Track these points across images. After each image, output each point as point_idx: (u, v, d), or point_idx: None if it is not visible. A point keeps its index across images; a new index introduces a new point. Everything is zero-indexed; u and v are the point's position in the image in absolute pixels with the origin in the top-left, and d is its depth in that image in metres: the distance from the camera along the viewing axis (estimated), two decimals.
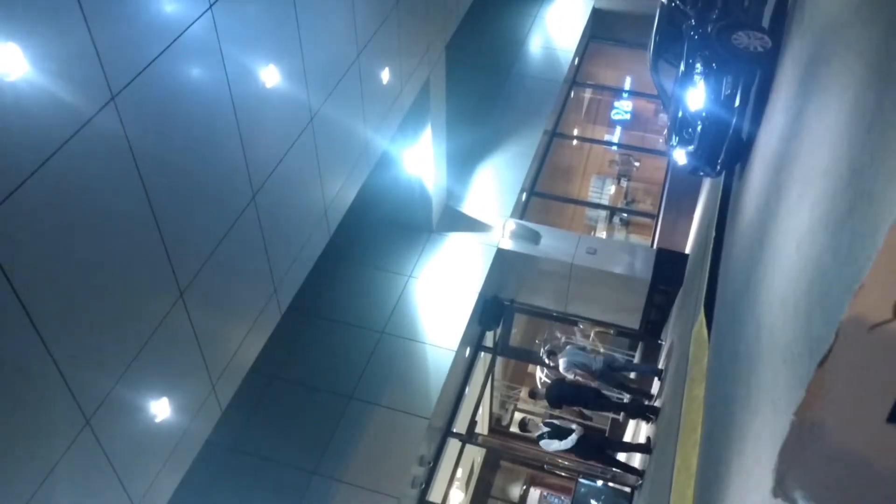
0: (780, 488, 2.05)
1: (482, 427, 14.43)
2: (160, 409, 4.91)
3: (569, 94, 15.66)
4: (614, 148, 19.74)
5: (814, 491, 1.95)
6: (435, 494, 10.32)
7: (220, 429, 5.90)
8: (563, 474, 11.87)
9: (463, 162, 12.07)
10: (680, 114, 8.20)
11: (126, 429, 4.64)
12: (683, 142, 8.27)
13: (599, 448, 9.94)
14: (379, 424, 9.23)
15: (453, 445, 11.03)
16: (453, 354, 9.85)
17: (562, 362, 10.01)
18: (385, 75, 7.33)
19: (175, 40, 4.14)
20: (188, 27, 4.22)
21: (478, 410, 12.27)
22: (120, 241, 4.13)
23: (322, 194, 6.64)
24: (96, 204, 3.87)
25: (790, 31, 6.82)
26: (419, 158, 10.17)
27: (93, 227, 3.88)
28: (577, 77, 15.97)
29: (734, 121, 7.50)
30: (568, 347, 10.22)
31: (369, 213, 10.65)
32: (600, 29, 16.24)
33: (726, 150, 7.83)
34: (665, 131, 8.87)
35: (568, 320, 12.46)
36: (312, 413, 9.26)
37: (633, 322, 11.55)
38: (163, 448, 5.13)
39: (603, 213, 19.50)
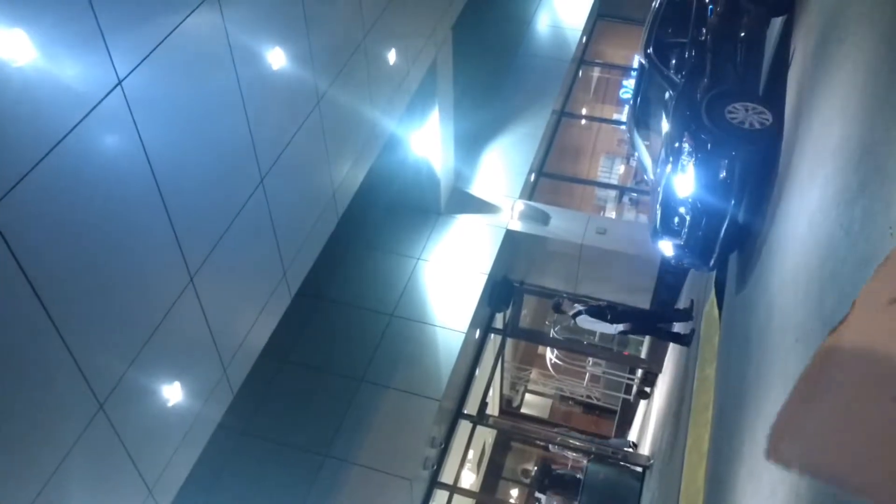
0: (773, 453, 2.02)
1: (493, 408, 14.48)
2: (172, 393, 4.94)
3: (577, 73, 15.55)
4: (623, 127, 19.61)
5: (809, 458, 1.91)
6: (447, 475, 10.39)
7: (232, 413, 5.94)
8: (573, 455, 11.91)
9: (471, 143, 12.02)
10: (663, 187, 6.97)
11: (139, 413, 4.67)
12: (670, 232, 7.12)
13: (647, 323, 9.92)
14: (390, 406, 9.27)
15: (464, 427, 11.08)
16: (463, 336, 9.87)
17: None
18: (391, 57, 7.29)
19: (180, 24, 4.12)
20: (193, 10, 4.20)
21: (488, 392, 12.32)
22: (130, 226, 4.14)
23: (330, 177, 6.63)
24: (105, 189, 3.88)
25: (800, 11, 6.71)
26: (427, 140, 10.13)
27: (102, 213, 3.88)
28: (585, 56, 15.85)
29: (731, 212, 6.46)
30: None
31: (377, 195, 10.64)
32: (608, 7, 16.09)
33: (721, 245, 6.75)
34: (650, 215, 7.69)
35: (578, 301, 12.44)
36: (324, 396, 9.31)
37: (643, 302, 11.53)
38: (176, 432, 5.16)
39: (612, 193, 19.42)
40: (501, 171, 11.95)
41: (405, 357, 9.69)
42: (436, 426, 9.49)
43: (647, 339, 13.88)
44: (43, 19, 3.24)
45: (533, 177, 12.70)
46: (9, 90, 3.13)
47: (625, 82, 18.27)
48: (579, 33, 14.62)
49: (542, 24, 14.86)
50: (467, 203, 11.39)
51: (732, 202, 6.39)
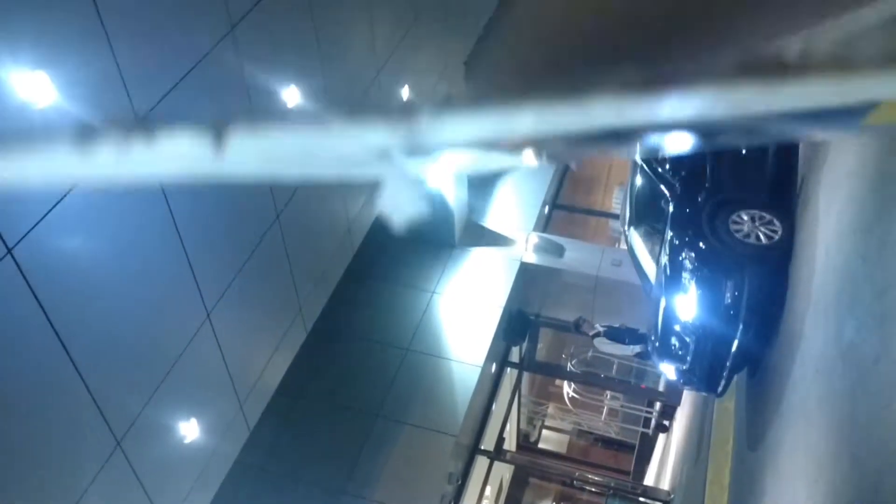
0: None
1: (510, 443, 14.34)
2: (189, 429, 4.94)
3: None
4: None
5: None
6: None
7: (248, 449, 5.92)
8: (593, 489, 11.75)
9: (485, 176, 12.07)
10: (664, 308, 6.41)
11: (156, 450, 4.67)
12: (672, 356, 6.52)
13: None
14: (406, 442, 9.20)
15: (481, 463, 10.96)
16: (479, 370, 9.81)
17: None
18: (405, 92, 7.38)
19: (198, 63, 4.20)
20: (210, 50, 4.29)
21: (505, 427, 12.21)
22: (147, 264, 4.18)
23: (345, 212, 6.68)
24: (124, 229, 3.93)
25: None
26: (440, 173, 10.19)
27: (121, 252, 3.93)
28: None
29: (740, 336, 5.83)
30: None
31: (392, 229, 10.67)
32: None
33: (730, 371, 6.16)
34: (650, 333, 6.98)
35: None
36: (339, 432, 9.26)
37: None
38: (192, 468, 5.15)
39: None
40: (515, 203, 11.98)
41: (421, 392, 9.64)
42: (452, 462, 9.40)
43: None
44: (65, 62, 3.31)
45: (547, 209, 12.72)
46: (30, 129, 3.20)
47: None
48: None
49: None
50: (481, 236, 11.41)
51: (741, 327, 5.82)
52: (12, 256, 3.18)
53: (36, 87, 3.17)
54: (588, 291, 11.11)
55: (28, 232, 3.25)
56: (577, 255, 11.18)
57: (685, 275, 5.95)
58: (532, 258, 11.10)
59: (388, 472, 8.94)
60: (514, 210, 11.84)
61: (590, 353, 14.09)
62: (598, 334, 9.36)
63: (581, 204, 16.76)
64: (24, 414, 3.47)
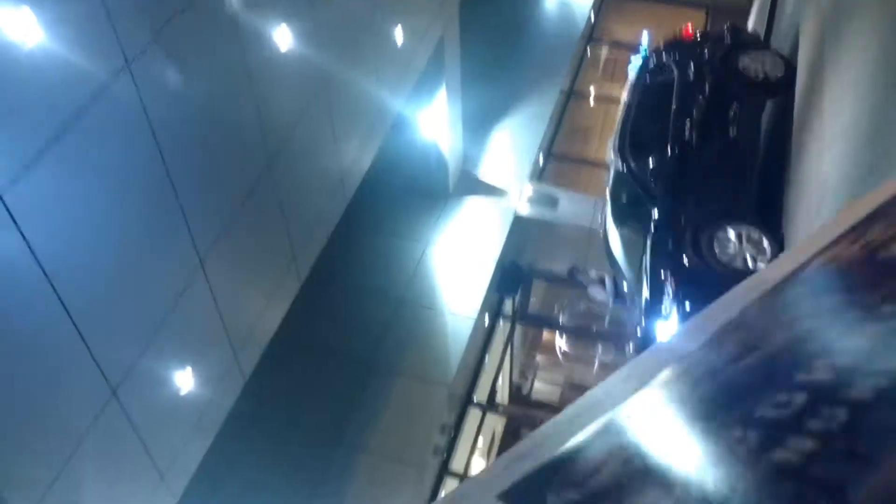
0: None
1: (502, 396, 14.45)
2: (184, 379, 4.91)
3: (585, 51, 15.41)
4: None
5: None
6: (457, 463, 10.36)
7: (243, 398, 5.91)
8: None
9: (479, 123, 11.90)
10: (642, 336, 6.14)
11: (151, 399, 4.64)
12: None
13: None
14: (399, 393, 9.24)
15: (474, 414, 11.04)
16: (472, 322, 9.81)
17: None
18: (398, 34, 7.19)
19: (188, 5, 4.05)
20: None
21: (498, 379, 12.28)
22: (138, 211, 4.10)
23: (338, 160, 6.56)
24: (114, 172, 3.83)
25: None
26: (434, 121, 10.04)
27: (111, 197, 3.84)
28: (593, 33, 15.70)
29: None
30: None
31: (385, 179, 10.56)
32: None
33: None
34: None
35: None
36: (333, 382, 9.27)
37: None
38: (188, 418, 5.14)
39: None
40: (510, 152, 11.85)
41: (415, 343, 9.65)
42: (445, 413, 9.46)
43: None
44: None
45: (541, 158, 12.61)
46: (18, 71, 3.09)
47: (633, 59, 18.09)
48: (587, 10, 14.47)
49: (550, 0, 14.71)
50: (476, 186, 11.31)
51: None
52: (2, 200, 3.08)
53: (21, 24, 3.04)
54: (582, 243, 11.07)
55: (21, 174, 3.15)
56: (571, 207, 11.14)
57: (667, 300, 5.56)
58: (526, 210, 11.03)
59: (381, 422, 9.00)
60: (509, 159, 11.73)
61: (582, 307, 14.11)
62: (592, 282, 9.38)
63: (576, 153, 16.62)
64: (17, 363, 3.41)
